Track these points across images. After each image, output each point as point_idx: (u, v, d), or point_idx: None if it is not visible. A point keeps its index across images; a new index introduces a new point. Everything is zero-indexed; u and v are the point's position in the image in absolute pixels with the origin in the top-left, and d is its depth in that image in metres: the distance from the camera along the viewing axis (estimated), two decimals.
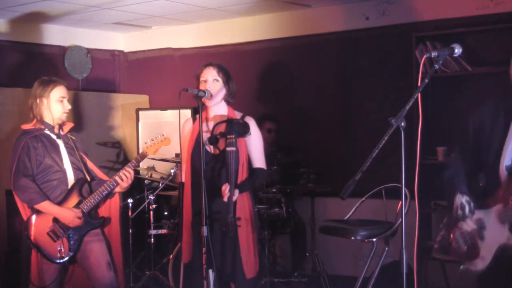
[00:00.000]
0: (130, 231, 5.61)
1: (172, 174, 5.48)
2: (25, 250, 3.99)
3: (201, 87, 3.71)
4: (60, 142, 4.01)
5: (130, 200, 5.56)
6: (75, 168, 4.01)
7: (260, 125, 3.96)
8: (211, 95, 3.67)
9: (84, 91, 6.72)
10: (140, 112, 6.56)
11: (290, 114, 6.20)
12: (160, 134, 4.12)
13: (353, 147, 5.77)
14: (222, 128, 3.69)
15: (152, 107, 6.96)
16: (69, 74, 6.63)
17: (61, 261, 3.89)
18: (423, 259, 5.00)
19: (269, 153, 4.94)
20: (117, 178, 3.95)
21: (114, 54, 7.26)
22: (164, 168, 5.91)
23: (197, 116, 3.69)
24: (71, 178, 3.99)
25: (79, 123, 6.19)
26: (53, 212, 3.88)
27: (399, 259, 2.53)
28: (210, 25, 6.69)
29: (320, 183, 5.51)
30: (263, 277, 5.02)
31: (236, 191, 3.54)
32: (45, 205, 3.87)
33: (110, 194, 4.05)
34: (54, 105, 3.95)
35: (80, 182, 3.99)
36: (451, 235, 2.87)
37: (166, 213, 5.65)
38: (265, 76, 6.37)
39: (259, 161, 3.78)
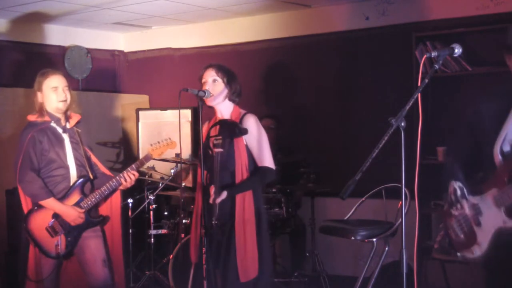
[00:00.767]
0: (130, 231, 5.61)
1: (172, 174, 5.48)
2: (24, 244, 4.02)
3: (203, 88, 3.72)
4: (65, 137, 4.02)
5: (130, 200, 5.56)
6: (79, 165, 4.02)
7: None
8: (211, 95, 3.67)
9: (84, 91, 6.72)
10: (140, 112, 6.56)
11: (290, 114, 6.20)
12: (167, 138, 4.12)
13: (353, 147, 5.77)
14: (217, 130, 3.69)
15: (152, 107, 6.96)
16: (69, 74, 6.63)
17: (57, 256, 3.90)
18: (423, 259, 5.01)
19: None
20: (120, 178, 3.97)
21: (114, 54, 7.26)
22: (164, 168, 5.91)
23: (213, 117, 3.72)
24: (73, 175, 3.99)
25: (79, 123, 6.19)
26: (57, 210, 3.90)
27: (399, 259, 2.52)
28: (210, 25, 6.69)
29: (320, 183, 5.52)
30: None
31: (223, 193, 3.51)
32: (50, 202, 3.89)
33: (112, 193, 4.06)
34: (49, 95, 3.97)
35: (82, 180, 4.00)
36: (448, 224, 2.88)
37: (166, 213, 5.65)
38: (265, 76, 6.37)
39: (263, 160, 3.68)
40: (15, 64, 6.26)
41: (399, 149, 2.51)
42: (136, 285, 5.52)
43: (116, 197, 4.18)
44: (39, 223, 3.91)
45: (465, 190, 2.85)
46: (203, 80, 3.74)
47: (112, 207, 4.17)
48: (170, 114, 6.48)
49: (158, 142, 4.09)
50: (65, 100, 4.00)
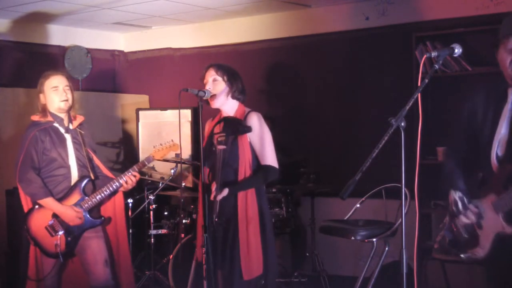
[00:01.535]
0: (130, 231, 5.61)
1: (172, 174, 5.48)
2: (24, 243, 4.03)
3: (204, 89, 3.72)
4: (68, 137, 4.03)
5: (130, 200, 5.56)
6: (80, 165, 4.03)
7: None
8: (212, 94, 3.67)
9: (84, 91, 6.72)
10: (140, 112, 6.56)
11: (290, 114, 6.20)
12: (170, 140, 4.13)
13: (353, 147, 5.77)
14: (221, 127, 3.69)
15: (152, 107, 6.96)
16: (69, 74, 6.63)
17: (57, 256, 3.90)
18: (423, 259, 5.01)
19: None
20: (121, 180, 3.97)
21: (114, 54, 7.26)
22: (164, 168, 5.91)
23: (218, 115, 3.74)
24: (75, 175, 4.00)
25: (82, 125, 6.19)
26: (55, 209, 3.91)
27: (399, 259, 2.52)
28: (210, 25, 6.69)
29: (320, 183, 5.52)
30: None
31: (225, 191, 3.52)
32: (48, 202, 3.90)
33: (113, 194, 4.07)
34: (50, 96, 4.01)
35: (83, 180, 4.00)
36: (453, 226, 2.88)
37: (166, 213, 5.65)
38: (265, 76, 6.37)
39: (266, 158, 3.68)
40: (15, 64, 6.26)
41: (399, 149, 2.51)
42: (136, 285, 5.52)
43: (120, 198, 4.18)
44: (39, 222, 3.92)
45: (465, 199, 2.83)
46: (204, 81, 3.75)
47: (115, 208, 4.18)
48: (170, 114, 6.48)
49: (161, 144, 4.09)
50: (67, 100, 4.01)
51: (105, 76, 7.15)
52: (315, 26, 6.11)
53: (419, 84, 2.61)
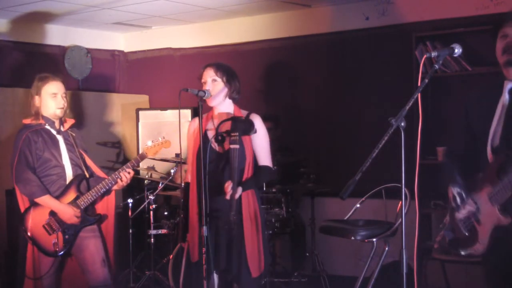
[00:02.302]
0: (130, 231, 5.61)
1: (172, 174, 5.48)
2: (22, 243, 4.03)
3: (203, 88, 3.73)
4: (60, 138, 4.06)
5: (130, 200, 5.57)
6: (74, 164, 4.06)
7: None
8: (211, 95, 3.68)
9: (84, 91, 6.72)
10: (140, 112, 6.56)
11: (290, 114, 6.20)
12: (161, 137, 4.15)
13: (353, 147, 5.77)
14: (227, 126, 3.69)
15: (152, 107, 6.96)
16: (69, 74, 6.63)
17: (55, 254, 3.91)
18: (423, 259, 5.01)
19: None
20: (116, 177, 4.00)
21: (114, 54, 7.26)
22: (164, 168, 5.91)
23: (204, 115, 3.73)
24: (69, 174, 4.03)
25: (79, 123, 6.17)
26: (53, 207, 3.93)
27: (399, 259, 2.52)
28: (210, 25, 6.69)
29: (320, 183, 5.51)
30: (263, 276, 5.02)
31: (239, 189, 3.56)
32: (46, 199, 3.91)
33: (107, 192, 4.09)
34: (47, 101, 4.02)
35: (78, 178, 4.04)
36: (454, 224, 2.89)
37: (166, 213, 5.65)
38: (265, 76, 6.37)
39: (264, 159, 3.76)
40: (15, 64, 6.26)
41: (399, 149, 2.51)
42: (136, 285, 5.52)
43: (111, 197, 4.21)
44: (36, 221, 3.94)
45: (463, 194, 2.84)
46: (203, 80, 3.76)
47: (108, 206, 4.21)
48: (170, 114, 6.48)
49: (153, 141, 4.13)
50: (63, 108, 4.04)
51: (105, 76, 7.15)
52: (315, 26, 6.11)
53: (419, 84, 2.61)
